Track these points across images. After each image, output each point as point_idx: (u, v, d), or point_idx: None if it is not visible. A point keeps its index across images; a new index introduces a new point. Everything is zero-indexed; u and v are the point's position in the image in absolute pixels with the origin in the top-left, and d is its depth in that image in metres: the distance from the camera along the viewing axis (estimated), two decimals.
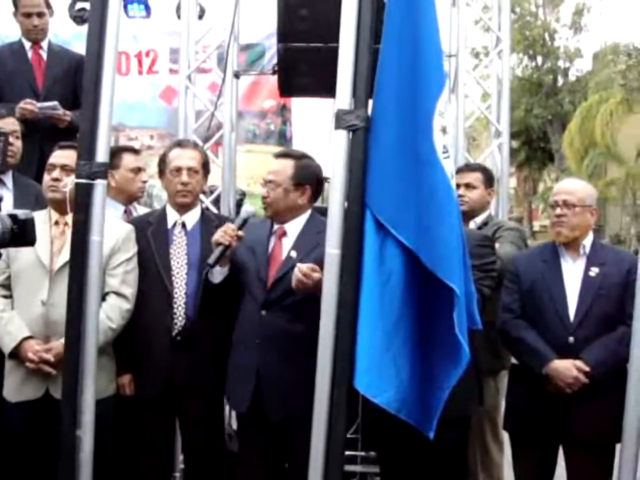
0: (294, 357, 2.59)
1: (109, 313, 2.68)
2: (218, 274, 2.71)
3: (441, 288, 2.14)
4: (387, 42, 2.18)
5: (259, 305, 2.68)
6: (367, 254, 2.14)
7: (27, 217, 1.79)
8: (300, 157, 2.81)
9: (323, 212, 2.42)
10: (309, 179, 2.76)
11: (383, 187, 2.15)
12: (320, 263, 2.45)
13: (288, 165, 2.75)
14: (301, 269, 2.46)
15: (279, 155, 2.87)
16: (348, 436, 2.73)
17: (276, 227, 2.78)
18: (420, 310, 2.21)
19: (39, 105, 3.63)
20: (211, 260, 2.62)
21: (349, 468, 2.94)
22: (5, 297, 2.70)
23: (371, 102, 2.20)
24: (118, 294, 2.74)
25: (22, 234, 1.76)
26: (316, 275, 2.44)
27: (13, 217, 1.75)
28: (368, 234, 2.15)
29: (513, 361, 2.96)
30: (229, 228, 2.66)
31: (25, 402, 2.64)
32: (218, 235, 2.64)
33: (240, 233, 2.65)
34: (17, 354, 2.62)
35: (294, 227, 2.77)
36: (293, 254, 2.70)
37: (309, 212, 2.81)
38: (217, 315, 2.83)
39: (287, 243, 2.76)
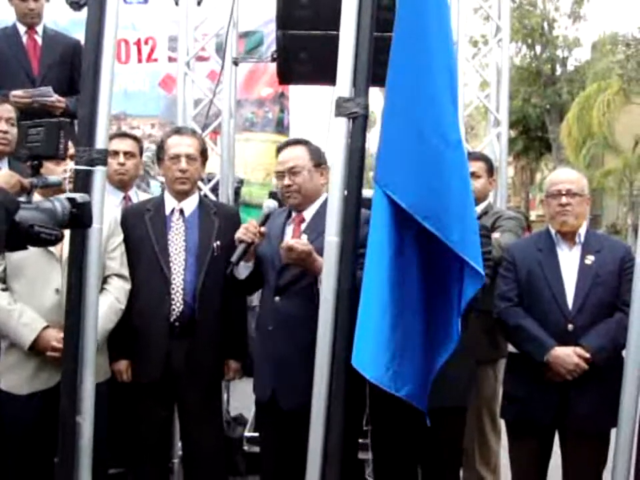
0: (306, 342, 2.55)
1: (116, 295, 2.74)
2: (243, 269, 2.71)
3: (450, 272, 2.20)
4: (400, 30, 2.18)
5: (272, 292, 2.70)
6: (385, 240, 2.14)
7: (84, 201, 1.83)
8: (307, 142, 2.85)
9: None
10: (323, 159, 2.80)
11: (408, 174, 2.16)
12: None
13: (303, 150, 2.76)
14: (286, 242, 2.53)
15: (288, 144, 2.85)
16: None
17: (294, 214, 2.79)
18: (425, 293, 2.23)
19: (31, 91, 3.60)
20: (233, 258, 2.61)
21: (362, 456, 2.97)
22: (4, 289, 2.67)
23: (374, 89, 2.20)
24: (120, 276, 2.79)
25: (80, 216, 1.81)
26: (298, 246, 2.49)
27: (71, 200, 1.80)
28: (386, 220, 2.15)
29: (510, 349, 2.97)
30: (251, 225, 2.64)
31: (36, 392, 2.64)
32: (240, 233, 2.63)
33: (262, 229, 2.64)
34: (34, 345, 2.60)
35: (310, 212, 2.77)
36: (304, 236, 2.70)
37: (325, 195, 2.79)
38: (215, 301, 2.84)
39: (304, 228, 2.76)
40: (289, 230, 2.77)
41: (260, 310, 2.82)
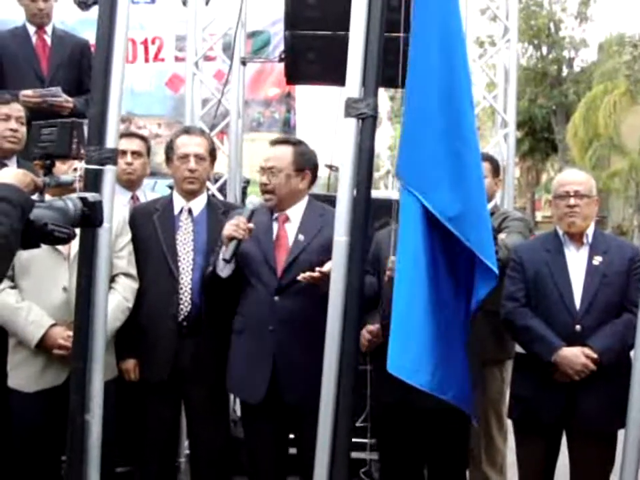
0: (309, 340, 2.57)
1: (124, 294, 2.75)
2: (227, 268, 2.68)
3: (462, 272, 2.24)
4: (418, 31, 2.20)
5: (270, 292, 2.67)
6: (419, 241, 2.17)
7: (95, 200, 1.85)
8: (297, 143, 2.85)
9: (332, 200, 2.42)
10: (308, 163, 2.79)
11: (432, 174, 2.19)
12: (326, 245, 2.48)
13: (287, 151, 2.76)
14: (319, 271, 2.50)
15: (276, 142, 2.86)
16: (357, 425, 2.77)
17: (277, 214, 2.78)
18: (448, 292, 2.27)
19: (40, 91, 3.61)
20: (227, 255, 2.58)
21: (358, 455, 2.97)
22: (12, 288, 2.67)
23: (381, 90, 2.22)
24: (127, 275, 2.80)
25: (91, 216, 1.83)
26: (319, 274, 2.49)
27: (83, 200, 1.82)
28: (417, 221, 2.17)
29: (517, 349, 2.97)
30: (240, 221, 2.61)
31: (44, 390, 2.65)
32: (231, 230, 2.59)
33: (250, 225, 2.63)
34: (41, 343, 2.61)
35: (296, 212, 2.78)
36: (301, 237, 2.71)
37: (307, 197, 2.82)
38: (222, 300, 2.84)
39: (291, 227, 2.76)
40: (275, 227, 2.77)
41: (249, 310, 2.73)
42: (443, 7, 2.19)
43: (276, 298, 2.67)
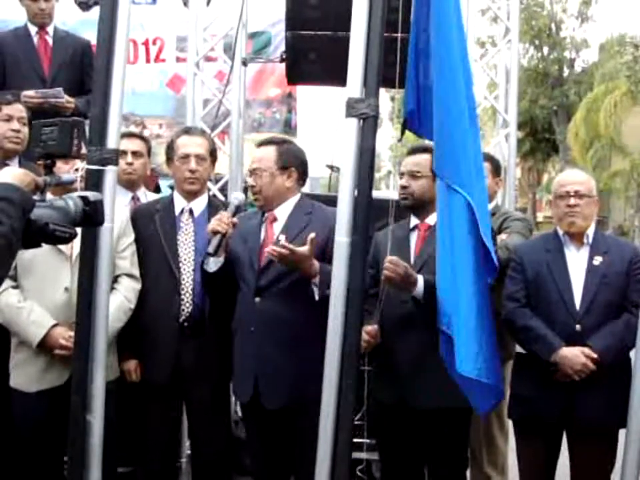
0: (288, 343, 2.59)
1: (126, 294, 2.75)
2: (213, 263, 2.68)
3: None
4: (437, 30, 2.25)
5: (252, 293, 2.67)
6: (471, 242, 2.27)
7: (96, 199, 1.84)
8: (281, 142, 2.83)
9: (333, 200, 2.43)
10: (293, 161, 2.76)
11: (468, 175, 2.28)
12: (305, 242, 2.50)
13: (270, 151, 2.74)
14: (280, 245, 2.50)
15: (260, 144, 2.85)
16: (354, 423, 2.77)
17: (267, 214, 2.78)
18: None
19: (41, 92, 3.62)
20: (211, 249, 2.58)
21: (354, 455, 2.96)
22: (14, 287, 2.68)
23: (382, 91, 2.24)
24: (130, 275, 2.80)
25: (92, 215, 1.81)
26: (297, 249, 2.48)
27: (84, 199, 1.80)
28: (465, 221, 2.27)
29: (517, 349, 2.97)
30: (224, 216, 2.63)
31: (46, 390, 2.66)
32: (214, 224, 2.60)
33: (234, 220, 2.64)
34: (42, 342, 2.62)
35: (283, 211, 2.75)
36: (282, 237, 2.68)
37: (298, 195, 2.79)
38: (223, 301, 2.84)
39: (278, 227, 2.74)
40: (263, 228, 2.76)
41: (239, 312, 2.76)
42: (445, 7, 2.21)
43: (256, 299, 2.66)
